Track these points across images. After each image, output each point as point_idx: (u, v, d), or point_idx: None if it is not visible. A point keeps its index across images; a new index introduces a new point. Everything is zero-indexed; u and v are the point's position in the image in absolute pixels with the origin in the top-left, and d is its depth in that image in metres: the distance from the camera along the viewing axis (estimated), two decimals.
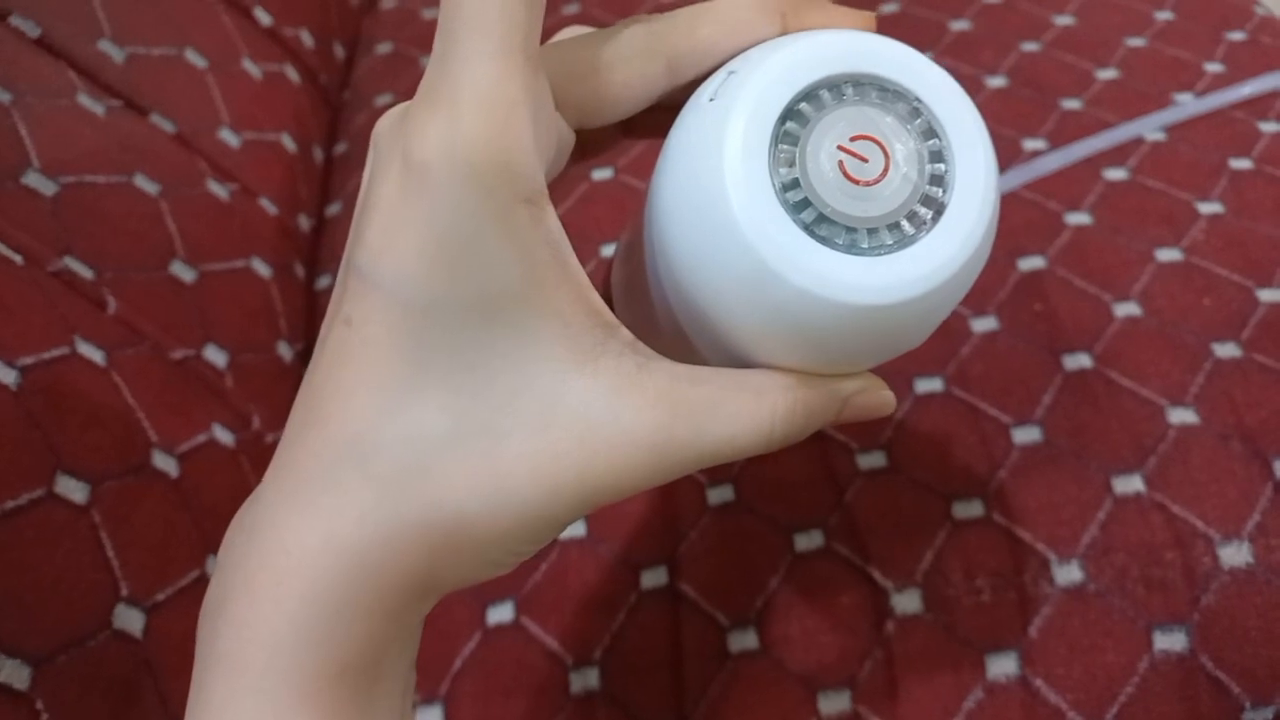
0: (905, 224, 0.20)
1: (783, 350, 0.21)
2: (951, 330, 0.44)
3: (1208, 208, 0.48)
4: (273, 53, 0.58)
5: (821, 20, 0.22)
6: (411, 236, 0.19)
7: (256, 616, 0.19)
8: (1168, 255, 0.46)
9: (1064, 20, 0.60)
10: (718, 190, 0.19)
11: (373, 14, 0.73)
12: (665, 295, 0.23)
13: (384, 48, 0.68)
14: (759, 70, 0.20)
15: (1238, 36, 0.58)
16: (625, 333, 0.21)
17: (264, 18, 0.58)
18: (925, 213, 0.20)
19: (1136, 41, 0.58)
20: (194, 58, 0.51)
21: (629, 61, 0.22)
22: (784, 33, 0.22)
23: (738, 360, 0.22)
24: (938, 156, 0.20)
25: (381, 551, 0.19)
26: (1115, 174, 0.50)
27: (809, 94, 0.20)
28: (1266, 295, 0.44)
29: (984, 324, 0.44)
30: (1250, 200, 0.48)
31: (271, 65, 0.57)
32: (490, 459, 0.20)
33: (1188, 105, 0.53)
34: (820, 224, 0.19)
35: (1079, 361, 0.43)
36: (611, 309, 0.26)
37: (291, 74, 0.59)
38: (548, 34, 0.22)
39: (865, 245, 0.19)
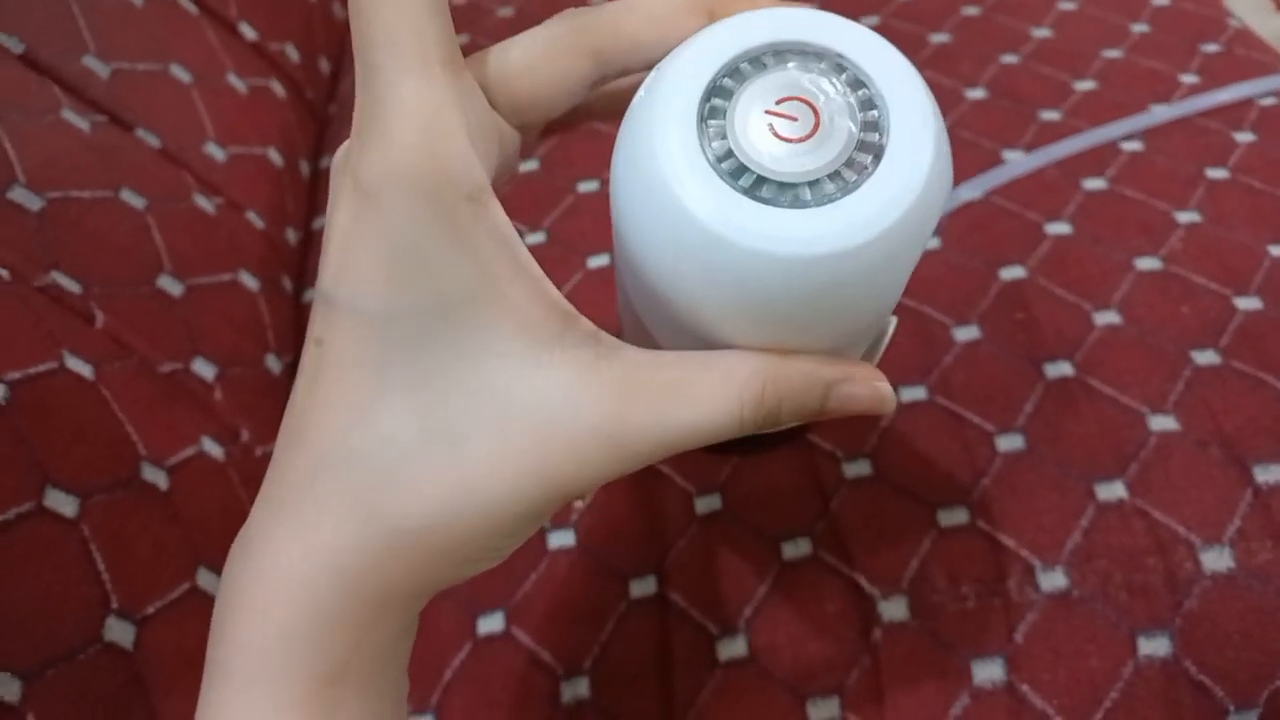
0: (846, 171, 0.20)
1: (746, 325, 0.21)
2: (934, 339, 0.45)
3: (1185, 217, 0.49)
4: (258, 67, 0.58)
5: (748, 8, 0.22)
6: (365, 254, 0.20)
7: (249, 627, 0.20)
8: (1147, 264, 0.47)
9: (1042, 33, 0.61)
10: (656, 174, 0.20)
11: None
12: (633, 290, 0.23)
13: None
14: (680, 56, 0.21)
15: (1212, 48, 0.59)
16: (585, 323, 0.21)
17: (249, 33, 0.58)
18: (865, 158, 0.20)
19: (1113, 53, 0.59)
20: (179, 73, 0.51)
21: (555, 60, 0.22)
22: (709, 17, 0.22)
23: (708, 345, 0.22)
24: (869, 104, 0.20)
25: (359, 558, 0.20)
26: (1094, 184, 0.51)
27: (730, 70, 0.20)
28: (1243, 303, 0.45)
29: (966, 333, 0.45)
30: (1226, 209, 0.49)
31: (257, 80, 0.57)
32: (453, 461, 0.20)
33: (1160, 112, 0.53)
34: (760, 186, 0.19)
35: (1060, 370, 0.43)
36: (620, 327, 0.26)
37: (277, 88, 0.59)
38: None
39: (809, 198, 0.19)
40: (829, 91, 0.20)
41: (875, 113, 0.20)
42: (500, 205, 0.21)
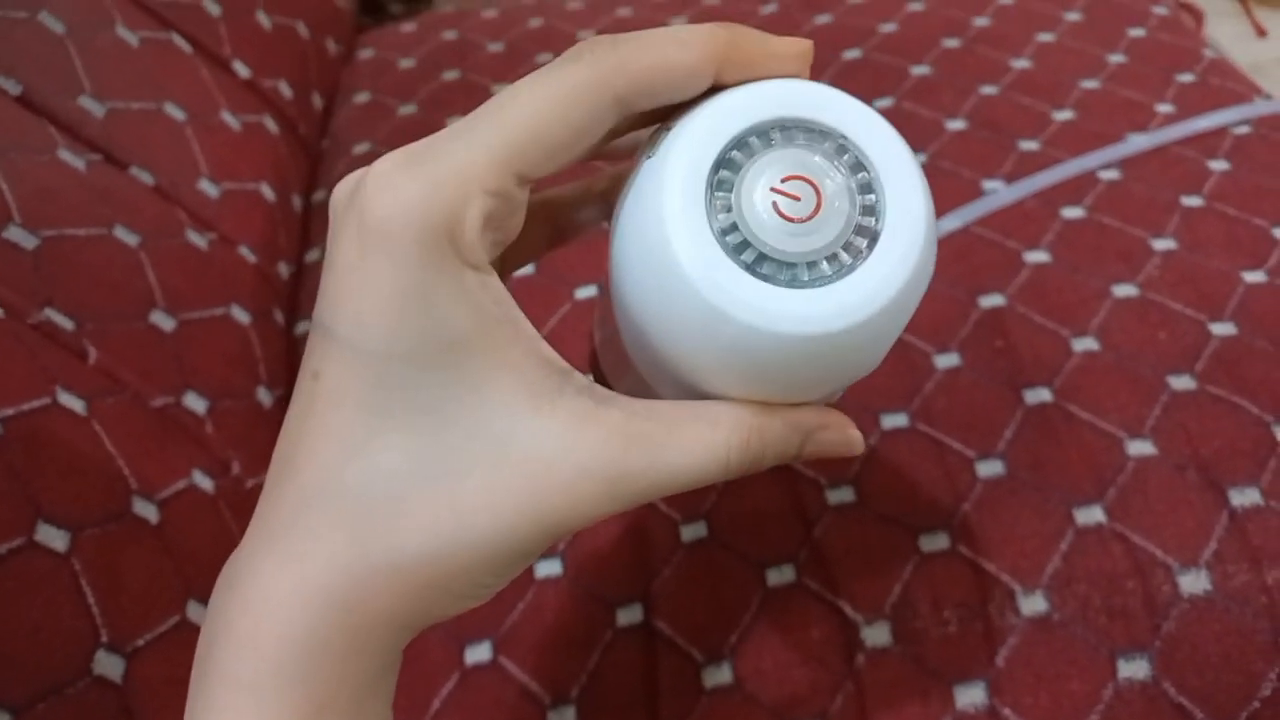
0: (843, 254, 0.20)
1: (738, 384, 0.22)
2: (915, 366, 0.45)
3: (1162, 244, 0.50)
4: (251, 104, 0.59)
5: (759, 48, 0.22)
6: (369, 291, 0.20)
7: (238, 660, 0.20)
8: (1124, 291, 0.48)
9: (1021, 64, 0.62)
10: (661, 241, 0.20)
11: (350, 64, 0.74)
12: (628, 339, 0.24)
13: (361, 97, 0.69)
14: (690, 124, 0.21)
15: (1187, 78, 0.60)
16: (580, 378, 0.22)
17: (242, 70, 0.60)
18: (860, 241, 0.21)
19: (1091, 83, 0.60)
20: (173, 111, 0.52)
21: (578, 108, 0.22)
22: (719, 76, 0.23)
23: (698, 395, 0.23)
24: (867, 188, 0.21)
25: (351, 591, 0.20)
26: (1073, 213, 0.52)
27: (739, 142, 0.21)
28: (1218, 329, 0.45)
29: (947, 360, 0.46)
30: (1202, 236, 0.50)
31: (250, 116, 0.58)
32: (449, 498, 0.21)
33: (1138, 140, 0.54)
34: (761, 263, 0.20)
35: (1039, 396, 0.44)
36: (598, 366, 0.27)
37: (270, 124, 0.60)
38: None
39: (806, 278, 0.20)
40: (831, 173, 0.21)
41: (873, 196, 0.21)
42: (498, 278, 0.21)
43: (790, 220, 0.21)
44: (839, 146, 0.21)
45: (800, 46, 0.23)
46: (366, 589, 0.20)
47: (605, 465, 0.21)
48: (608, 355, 0.28)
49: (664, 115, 0.23)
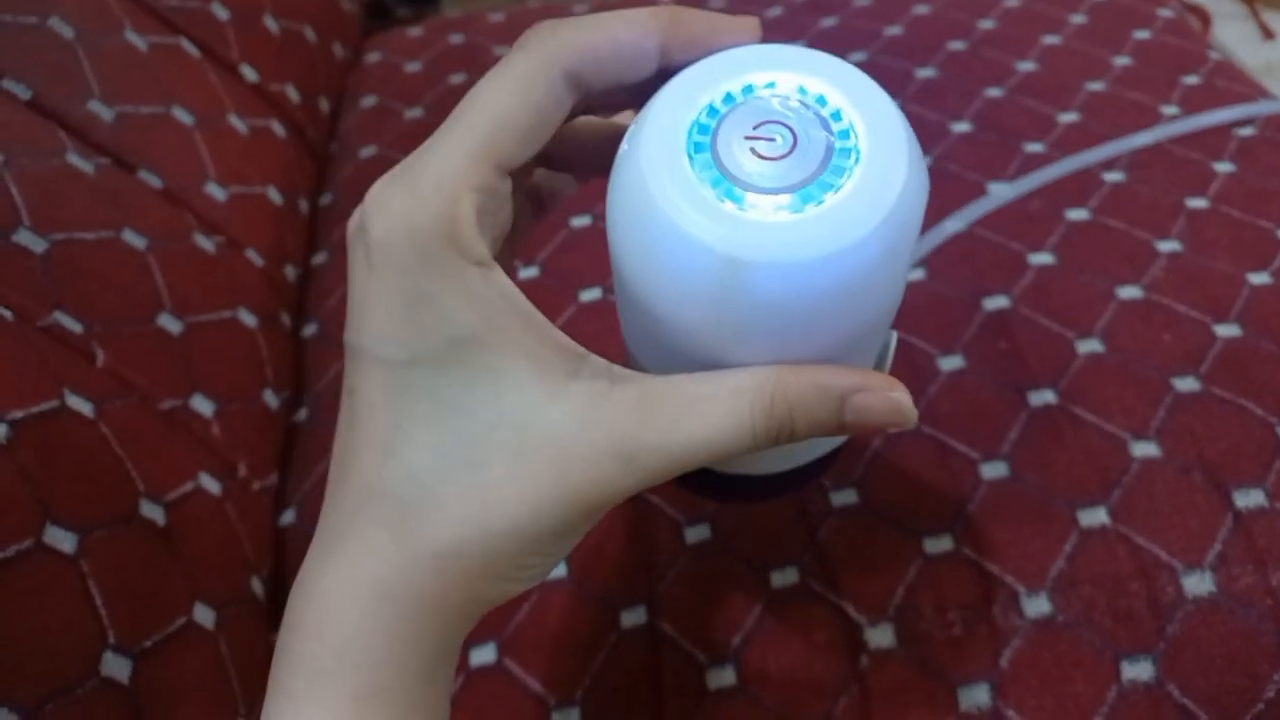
0: (830, 176, 0.21)
1: (757, 341, 0.22)
2: (920, 369, 0.45)
3: (1167, 246, 0.50)
4: (259, 108, 0.60)
5: (705, 25, 0.23)
6: (380, 304, 0.22)
7: (305, 651, 0.22)
8: (1129, 293, 0.48)
9: (1026, 66, 0.62)
10: (654, 210, 0.21)
11: (358, 69, 0.75)
12: (640, 325, 0.25)
13: (369, 101, 0.69)
14: (657, 103, 0.22)
15: (1193, 80, 0.60)
16: (598, 360, 0.23)
17: (250, 74, 0.60)
18: (845, 161, 0.21)
19: (1096, 86, 0.60)
20: (181, 115, 0.52)
21: (533, 92, 0.23)
22: (669, 55, 0.24)
23: (719, 367, 0.23)
24: (837, 115, 0.22)
25: (397, 583, 0.22)
26: (1077, 214, 0.52)
27: (706, 108, 0.22)
28: (1223, 330, 0.45)
29: (951, 363, 0.46)
30: (1207, 238, 0.50)
31: (258, 120, 0.59)
32: (476, 488, 0.22)
33: (1138, 137, 0.54)
34: (755, 202, 0.21)
35: (1044, 398, 0.44)
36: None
37: (278, 128, 0.60)
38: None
39: (801, 205, 0.21)
40: (799, 110, 0.22)
41: (846, 121, 0.22)
42: (503, 271, 0.23)
43: (770, 159, 0.21)
44: (798, 87, 0.22)
45: (748, 23, 0.24)
46: (411, 580, 0.22)
47: (621, 441, 0.22)
48: (631, 353, 0.29)
49: (630, 102, 0.24)
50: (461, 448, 0.22)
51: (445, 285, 0.21)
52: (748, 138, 0.22)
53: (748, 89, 0.22)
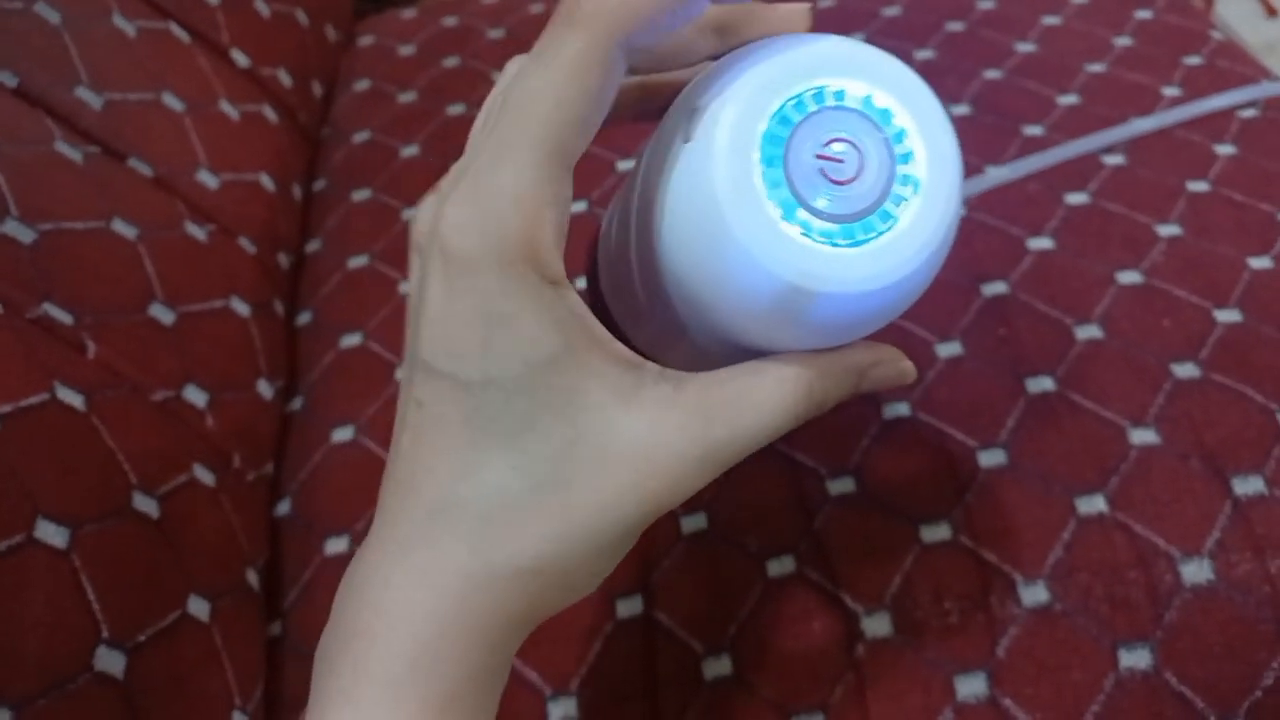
0: (891, 204, 0.22)
1: (800, 341, 0.24)
2: (917, 355, 0.45)
3: (1167, 230, 0.49)
4: (250, 93, 0.59)
5: (763, 29, 0.24)
6: (460, 324, 0.22)
7: (372, 656, 0.23)
8: (1128, 278, 0.47)
9: (1026, 47, 0.61)
10: (724, 230, 0.21)
11: (350, 52, 0.74)
12: (676, 320, 0.25)
13: (362, 84, 0.69)
14: (727, 104, 0.22)
15: (1195, 61, 0.59)
16: (652, 365, 0.24)
17: (241, 59, 0.59)
18: (905, 190, 0.22)
19: (1096, 67, 0.59)
20: (171, 101, 0.52)
21: (597, 90, 0.23)
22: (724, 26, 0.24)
23: (755, 355, 0.24)
24: (900, 138, 0.22)
25: (474, 595, 0.23)
26: (1077, 198, 0.51)
27: (779, 116, 0.22)
28: (1223, 316, 0.45)
29: (949, 349, 0.45)
30: (1208, 222, 0.49)
31: (249, 105, 0.58)
32: (560, 504, 0.23)
33: (1139, 124, 0.54)
34: (827, 234, 0.21)
35: (1042, 384, 0.44)
36: (598, 290, 0.29)
37: (269, 113, 0.60)
38: None
39: (864, 238, 0.22)
40: (867, 128, 0.22)
41: (909, 145, 0.22)
42: (572, 288, 0.23)
43: (838, 183, 0.22)
44: (868, 99, 0.22)
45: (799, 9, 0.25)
46: (488, 593, 0.23)
47: (694, 444, 0.23)
48: (618, 304, 0.29)
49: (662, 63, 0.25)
50: (542, 467, 0.23)
51: (524, 306, 0.22)
52: (818, 156, 0.22)
53: (818, 96, 0.22)
